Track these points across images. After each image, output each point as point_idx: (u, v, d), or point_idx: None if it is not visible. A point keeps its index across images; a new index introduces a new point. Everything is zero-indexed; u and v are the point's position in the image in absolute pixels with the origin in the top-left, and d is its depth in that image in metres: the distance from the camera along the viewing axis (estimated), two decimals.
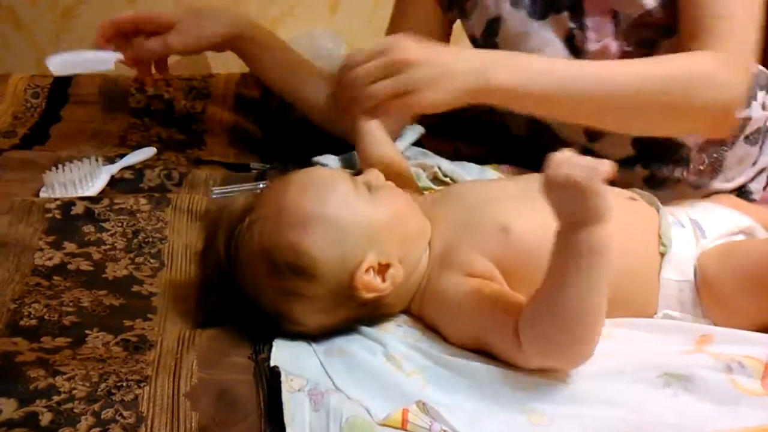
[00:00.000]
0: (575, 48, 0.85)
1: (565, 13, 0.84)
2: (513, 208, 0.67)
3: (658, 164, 0.87)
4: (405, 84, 0.66)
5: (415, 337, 0.65)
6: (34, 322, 0.63)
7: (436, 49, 0.69)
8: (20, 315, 0.64)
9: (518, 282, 0.63)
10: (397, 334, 0.65)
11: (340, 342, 0.64)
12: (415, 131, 1.04)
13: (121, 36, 0.94)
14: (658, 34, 0.82)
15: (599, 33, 0.84)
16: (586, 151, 0.80)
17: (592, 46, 0.84)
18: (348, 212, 0.63)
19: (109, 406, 0.53)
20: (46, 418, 0.51)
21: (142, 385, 0.56)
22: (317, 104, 0.97)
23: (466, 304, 0.61)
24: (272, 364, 0.59)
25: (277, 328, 0.64)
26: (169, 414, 0.53)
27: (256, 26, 1.00)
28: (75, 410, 0.52)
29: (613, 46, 0.83)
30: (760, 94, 0.86)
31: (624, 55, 0.84)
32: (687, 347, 0.62)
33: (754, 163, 0.89)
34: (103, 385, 0.55)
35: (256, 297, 0.63)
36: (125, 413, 0.53)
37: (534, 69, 0.71)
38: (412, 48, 0.67)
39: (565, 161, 0.53)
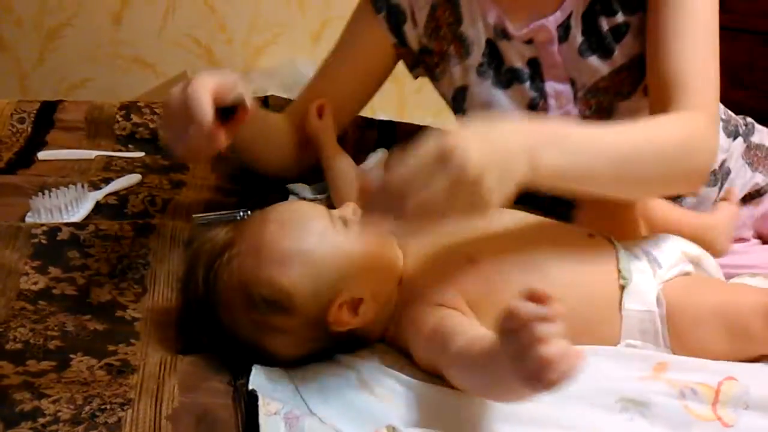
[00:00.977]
0: (538, 115, 0.89)
1: (527, 83, 0.89)
2: (481, 239, 0.71)
3: None
4: (472, 201, 0.57)
5: (388, 362, 0.68)
6: (19, 345, 0.65)
7: (492, 143, 0.58)
8: (6, 339, 0.66)
9: (483, 311, 0.66)
10: (370, 359, 0.68)
11: (315, 368, 0.67)
12: (379, 155, 1.07)
13: None
14: (614, 98, 0.88)
15: (559, 100, 0.89)
16: None
17: (553, 113, 0.89)
18: (323, 249, 0.66)
19: (93, 428, 0.55)
20: None
21: (125, 407, 0.58)
22: (282, 152, 0.98)
23: (430, 333, 0.64)
24: (250, 386, 0.62)
25: (254, 358, 0.66)
26: None
27: None
28: None
29: (573, 111, 0.89)
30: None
31: (584, 119, 0.88)
32: (644, 373, 0.65)
33: (714, 202, 0.94)
34: (87, 408, 0.57)
35: (234, 329, 0.66)
36: None
37: (577, 146, 0.65)
38: (474, 150, 0.55)
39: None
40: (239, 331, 0.66)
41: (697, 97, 0.76)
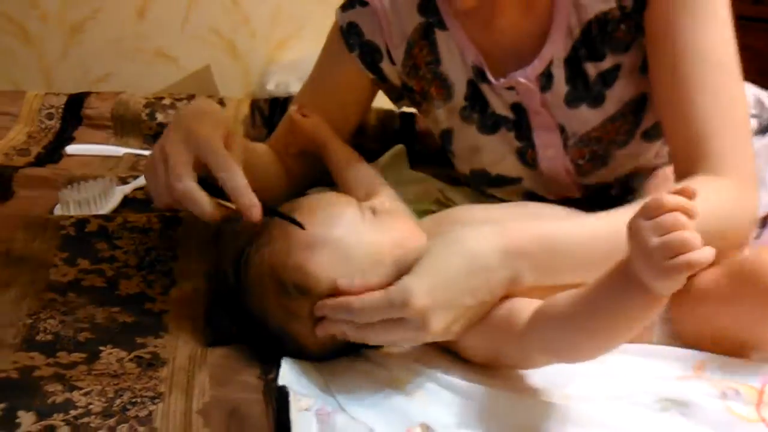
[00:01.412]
0: (527, 163, 0.85)
1: (513, 133, 0.83)
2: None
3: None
4: (413, 335, 0.61)
5: (418, 357, 0.67)
6: (50, 337, 0.65)
7: (444, 293, 0.60)
8: (36, 330, 0.65)
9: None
10: (400, 356, 0.67)
11: (345, 363, 0.66)
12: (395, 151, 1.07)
13: None
14: (609, 146, 0.81)
15: (548, 149, 0.83)
16: None
17: (544, 162, 0.83)
18: (353, 236, 0.65)
19: (124, 422, 0.55)
20: None
21: (156, 401, 0.57)
22: (272, 183, 0.89)
23: (496, 317, 0.63)
24: (280, 382, 0.61)
25: (283, 348, 0.66)
26: (182, 430, 0.55)
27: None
28: (91, 425, 0.54)
29: (566, 161, 0.83)
30: None
31: (578, 168, 0.83)
32: (685, 373, 0.64)
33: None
34: (118, 401, 0.57)
35: (264, 317, 0.65)
36: (140, 429, 0.55)
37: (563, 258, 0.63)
38: (420, 296, 0.59)
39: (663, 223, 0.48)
40: (269, 318, 0.65)
41: (728, 158, 0.68)
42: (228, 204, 0.65)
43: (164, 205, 0.66)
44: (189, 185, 0.63)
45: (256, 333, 0.67)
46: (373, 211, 0.68)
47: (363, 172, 0.84)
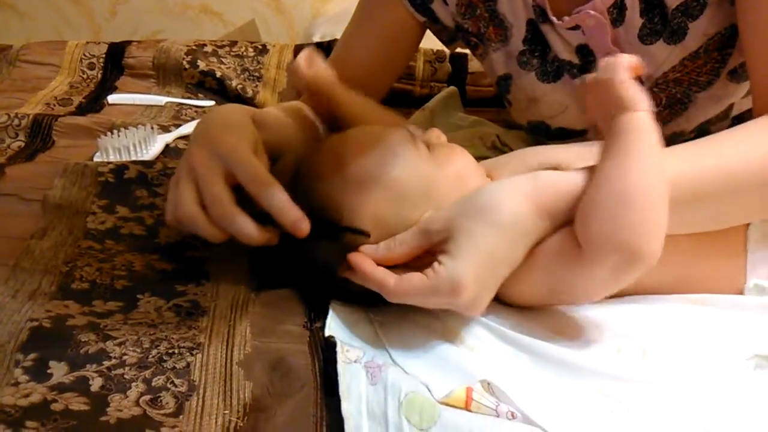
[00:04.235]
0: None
1: (578, 79, 0.75)
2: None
3: None
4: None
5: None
6: (86, 285, 0.62)
7: (488, 272, 0.54)
8: (72, 278, 0.62)
9: None
10: None
11: (397, 313, 0.61)
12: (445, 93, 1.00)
13: None
14: (691, 89, 0.72)
15: None
16: None
17: None
18: (407, 171, 0.58)
19: (161, 373, 0.51)
20: (96, 384, 0.50)
21: (194, 352, 0.54)
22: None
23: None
24: (327, 332, 0.56)
25: (332, 291, 0.60)
26: (221, 383, 0.51)
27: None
28: (126, 376, 0.50)
29: None
30: None
31: (653, 116, 0.75)
32: None
33: None
34: (154, 352, 0.53)
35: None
36: (177, 381, 0.51)
37: None
38: (469, 283, 0.53)
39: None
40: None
41: None
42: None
43: (191, 231, 0.59)
44: (229, 209, 0.56)
45: (304, 273, 0.61)
46: (428, 145, 0.62)
47: (393, 119, 0.75)
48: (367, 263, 0.56)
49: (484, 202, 0.54)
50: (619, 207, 0.51)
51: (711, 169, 0.56)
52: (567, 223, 0.54)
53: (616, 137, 0.53)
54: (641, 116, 0.53)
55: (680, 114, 0.76)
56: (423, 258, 0.56)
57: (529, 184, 0.55)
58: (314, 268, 0.60)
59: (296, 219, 0.56)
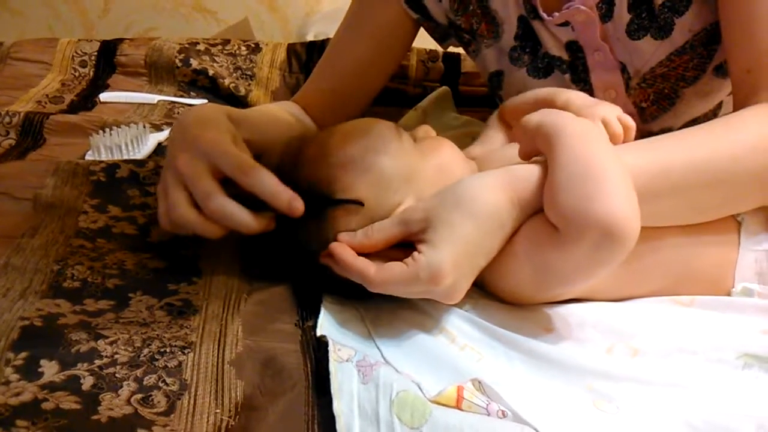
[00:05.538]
0: None
1: (568, 75, 0.76)
2: None
3: None
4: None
5: (468, 307, 0.62)
6: (77, 284, 0.61)
7: (466, 261, 0.55)
8: (63, 277, 0.62)
9: None
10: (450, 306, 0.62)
11: (389, 310, 0.61)
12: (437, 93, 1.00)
13: None
14: (678, 84, 0.73)
15: (608, 92, 0.75)
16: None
17: None
18: (389, 155, 0.59)
19: (152, 372, 0.51)
20: (87, 382, 0.49)
21: (186, 351, 0.54)
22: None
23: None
24: (319, 332, 0.57)
25: (323, 284, 0.60)
26: (213, 382, 0.51)
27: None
28: (117, 375, 0.50)
29: (628, 104, 0.75)
30: None
31: (641, 113, 0.75)
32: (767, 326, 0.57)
33: None
34: (146, 351, 0.53)
35: (304, 239, 0.59)
36: (168, 380, 0.51)
37: None
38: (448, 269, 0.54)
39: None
40: (308, 239, 0.59)
41: None
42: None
43: (189, 232, 0.59)
44: (222, 202, 0.56)
45: (295, 264, 0.61)
46: (414, 138, 0.62)
47: None
48: (347, 252, 0.56)
49: (462, 194, 0.55)
50: (583, 181, 0.51)
51: (680, 161, 0.57)
52: (539, 212, 0.55)
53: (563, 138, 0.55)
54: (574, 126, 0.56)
55: (667, 110, 0.76)
56: (396, 249, 0.56)
57: (504, 176, 0.56)
58: (300, 255, 0.60)
59: (289, 198, 0.56)
